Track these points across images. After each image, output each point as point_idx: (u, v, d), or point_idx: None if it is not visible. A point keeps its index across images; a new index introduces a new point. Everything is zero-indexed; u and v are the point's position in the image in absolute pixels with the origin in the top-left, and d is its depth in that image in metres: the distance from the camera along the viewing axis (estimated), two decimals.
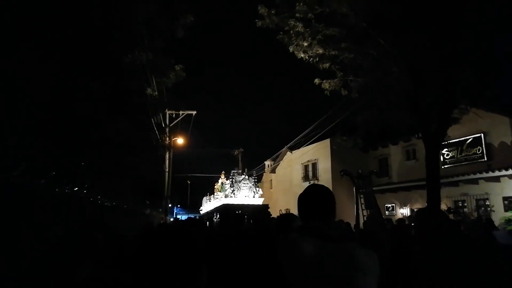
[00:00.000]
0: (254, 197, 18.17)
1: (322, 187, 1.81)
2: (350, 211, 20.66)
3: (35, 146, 2.50)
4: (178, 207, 42.68)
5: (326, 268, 1.50)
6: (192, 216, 20.09)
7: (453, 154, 17.29)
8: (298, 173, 26.25)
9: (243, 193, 18.10)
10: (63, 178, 3.05)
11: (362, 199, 12.21)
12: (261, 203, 18.03)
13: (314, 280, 1.50)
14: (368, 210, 12.03)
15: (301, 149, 25.04)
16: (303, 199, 1.77)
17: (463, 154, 16.82)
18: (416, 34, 8.86)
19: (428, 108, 9.65)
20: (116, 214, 5.56)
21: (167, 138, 18.83)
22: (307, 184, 23.93)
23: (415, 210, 18.04)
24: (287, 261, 1.59)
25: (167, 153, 18.90)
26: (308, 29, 9.97)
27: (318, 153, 23.95)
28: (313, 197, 1.75)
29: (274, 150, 33.64)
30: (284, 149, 27.97)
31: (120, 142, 6.97)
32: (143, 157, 10.57)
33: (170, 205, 23.00)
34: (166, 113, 18.79)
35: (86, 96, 5.54)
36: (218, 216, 16.08)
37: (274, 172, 30.67)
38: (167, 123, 19.03)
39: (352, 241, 1.64)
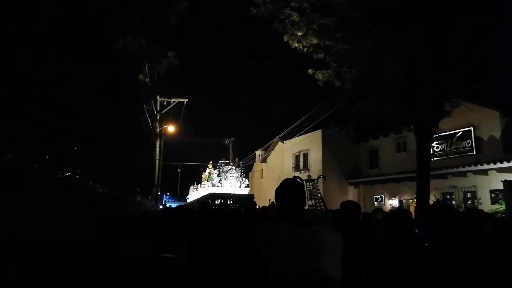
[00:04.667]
0: (240, 187, 18.30)
1: (295, 181, 2.13)
2: (339, 199, 20.87)
3: (27, 130, 2.45)
4: (168, 195, 42.54)
5: (294, 247, 1.76)
6: (182, 204, 20.07)
7: (443, 147, 17.49)
8: (289, 163, 26.36)
9: (230, 183, 18.23)
10: (56, 163, 3.00)
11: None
12: (247, 193, 18.17)
13: (286, 258, 1.76)
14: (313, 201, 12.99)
15: (292, 139, 25.08)
16: (280, 191, 2.05)
17: (453, 147, 17.03)
18: (410, 27, 8.86)
19: (421, 101, 9.71)
20: (108, 201, 5.53)
21: (158, 126, 18.70)
22: (298, 174, 24.12)
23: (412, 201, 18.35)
24: (264, 243, 1.88)
25: (158, 141, 18.78)
26: (303, 19, 9.89)
27: (310, 143, 24.02)
28: (287, 190, 2.04)
29: (265, 140, 33.60)
30: (275, 139, 27.98)
31: (112, 128, 6.89)
32: (134, 144, 10.47)
33: (159, 193, 22.91)
34: (157, 100, 18.61)
35: (78, 83, 5.44)
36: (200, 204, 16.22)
37: (265, 162, 30.74)
38: (158, 109, 18.86)
39: (318, 224, 1.91)
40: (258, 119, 77.36)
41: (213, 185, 18.16)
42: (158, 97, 18.39)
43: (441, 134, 16.19)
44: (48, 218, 2.81)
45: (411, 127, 10.30)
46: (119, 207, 6.29)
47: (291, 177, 2.70)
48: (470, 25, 8.87)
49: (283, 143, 27.16)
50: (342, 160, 22.31)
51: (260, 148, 31.31)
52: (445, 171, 15.76)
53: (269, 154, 29.95)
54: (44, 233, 2.63)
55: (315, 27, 9.87)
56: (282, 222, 1.88)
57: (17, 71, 3.37)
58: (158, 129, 18.69)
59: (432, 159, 15.67)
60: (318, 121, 20.02)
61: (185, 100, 19.61)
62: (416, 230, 3.52)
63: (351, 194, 22.54)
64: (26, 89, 3.41)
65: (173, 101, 19.38)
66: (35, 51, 4.13)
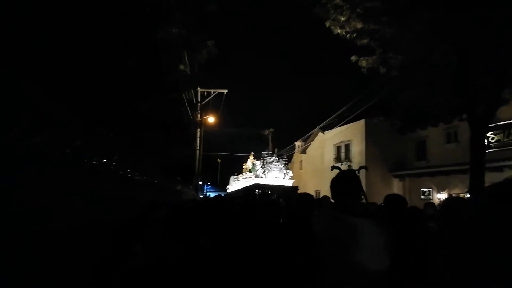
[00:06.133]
0: (284, 178, 18.15)
1: (353, 173, 2.16)
2: (383, 192, 20.14)
3: (61, 115, 2.42)
4: (209, 184, 43.30)
5: (355, 237, 1.81)
6: (222, 194, 20.29)
7: (499, 138, 16.26)
8: (330, 154, 25.75)
9: (274, 174, 18.12)
10: (92, 149, 2.98)
11: None
12: (291, 185, 17.98)
13: (347, 247, 1.79)
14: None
15: (333, 129, 24.45)
16: (337, 182, 2.08)
17: (510, 138, 15.80)
18: (466, 9, 8.14)
19: (476, 88, 8.98)
20: (146, 188, 5.57)
21: (199, 116, 18.94)
22: (339, 165, 23.54)
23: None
24: (323, 231, 1.93)
25: (198, 130, 19.04)
26: (346, 2, 9.42)
27: (352, 134, 23.29)
28: (346, 181, 2.08)
29: (305, 131, 33.09)
30: (315, 129, 27.46)
31: (150, 117, 6.93)
32: (174, 134, 10.59)
33: (200, 183, 23.30)
34: (198, 90, 18.82)
35: (119, 71, 5.48)
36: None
37: (305, 153, 30.29)
38: (199, 100, 19.10)
39: (372, 218, 2.00)
40: (297, 109, 76.47)
41: (256, 176, 18.17)
42: (198, 88, 18.58)
43: (498, 123, 15.01)
44: (80, 206, 2.79)
45: (464, 116, 9.58)
46: (158, 195, 6.36)
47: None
48: None
49: (323, 133, 26.58)
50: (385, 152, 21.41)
51: (299, 139, 30.92)
52: (501, 163, 14.69)
53: (309, 145, 29.48)
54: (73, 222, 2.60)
55: (359, 10, 9.36)
56: (339, 212, 1.92)
57: (55, 57, 3.39)
58: (198, 120, 18.95)
59: (486, 151, 14.64)
60: (361, 110, 19.32)
61: (225, 91, 19.67)
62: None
63: (396, 187, 21.66)
64: (64, 75, 3.42)
65: (213, 92, 19.52)
66: (75, 40, 4.15)
